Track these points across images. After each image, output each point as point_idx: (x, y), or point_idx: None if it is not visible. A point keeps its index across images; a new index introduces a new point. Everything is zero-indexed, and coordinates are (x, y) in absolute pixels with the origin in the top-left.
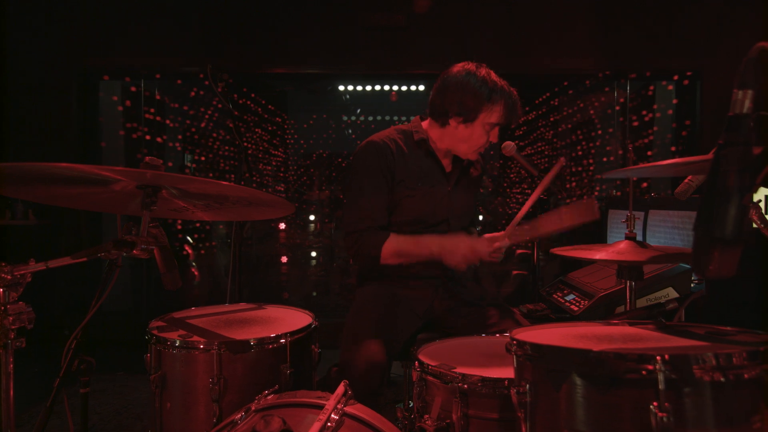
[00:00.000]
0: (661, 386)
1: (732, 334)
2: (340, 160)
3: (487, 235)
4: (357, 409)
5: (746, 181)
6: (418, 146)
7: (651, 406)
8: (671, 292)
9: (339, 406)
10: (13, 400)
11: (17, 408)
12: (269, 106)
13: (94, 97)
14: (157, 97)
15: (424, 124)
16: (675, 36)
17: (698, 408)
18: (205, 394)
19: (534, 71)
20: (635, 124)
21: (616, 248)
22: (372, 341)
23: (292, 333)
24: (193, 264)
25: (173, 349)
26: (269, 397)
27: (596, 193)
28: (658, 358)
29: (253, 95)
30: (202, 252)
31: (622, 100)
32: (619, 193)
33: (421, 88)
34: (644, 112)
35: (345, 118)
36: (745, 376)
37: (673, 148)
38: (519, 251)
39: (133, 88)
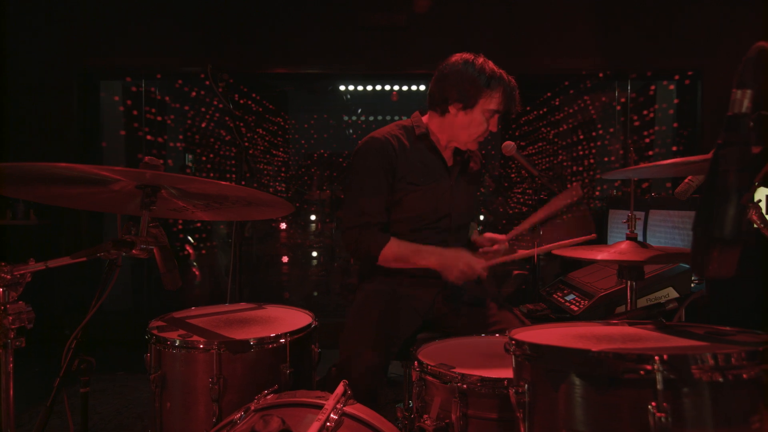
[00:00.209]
0: (659, 386)
1: (731, 335)
2: (341, 160)
3: (487, 234)
4: (356, 409)
5: (745, 181)
6: (419, 141)
7: (649, 406)
8: (671, 292)
9: (338, 406)
10: (13, 400)
11: (17, 408)
12: (270, 106)
13: (94, 97)
14: (158, 96)
15: (424, 118)
16: (675, 36)
17: (697, 408)
18: (204, 393)
19: (534, 71)
20: (636, 123)
21: (616, 248)
22: (372, 340)
23: (292, 333)
24: (194, 264)
25: (173, 349)
26: (269, 397)
27: (597, 193)
28: (656, 358)
29: (253, 95)
30: (203, 252)
31: (623, 99)
32: (620, 193)
33: (422, 87)
34: (645, 112)
35: (346, 118)
36: (744, 376)
37: (674, 148)
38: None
39: (133, 88)
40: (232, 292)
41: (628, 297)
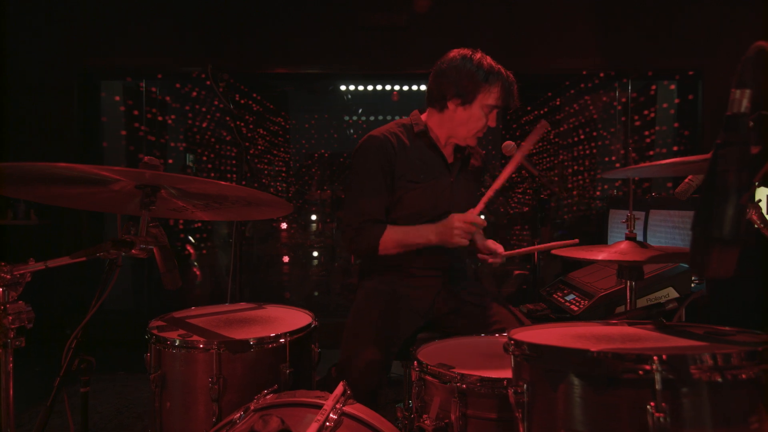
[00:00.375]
0: (658, 386)
1: (731, 334)
2: (341, 159)
3: (489, 242)
4: (356, 409)
5: (744, 181)
6: (418, 138)
7: (648, 407)
8: (671, 292)
9: (338, 406)
10: (12, 400)
11: (17, 407)
12: (270, 106)
13: (95, 97)
14: (159, 97)
15: (423, 116)
16: (676, 35)
17: (695, 408)
18: (204, 393)
19: (534, 71)
20: (637, 123)
21: (616, 248)
22: (372, 339)
23: (292, 333)
24: (195, 264)
25: (173, 349)
26: (268, 397)
27: (598, 193)
28: (655, 358)
29: (254, 95)
30: (205, 252)
31: (623, 99)
32: (620, 193)
33: (422, 87)
34: (646, 112)
35: (346, 118)
36: (743, 376)
37: (675, 148)
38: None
39: (134, 88)
40: (233, 291)
41: (628, 297)
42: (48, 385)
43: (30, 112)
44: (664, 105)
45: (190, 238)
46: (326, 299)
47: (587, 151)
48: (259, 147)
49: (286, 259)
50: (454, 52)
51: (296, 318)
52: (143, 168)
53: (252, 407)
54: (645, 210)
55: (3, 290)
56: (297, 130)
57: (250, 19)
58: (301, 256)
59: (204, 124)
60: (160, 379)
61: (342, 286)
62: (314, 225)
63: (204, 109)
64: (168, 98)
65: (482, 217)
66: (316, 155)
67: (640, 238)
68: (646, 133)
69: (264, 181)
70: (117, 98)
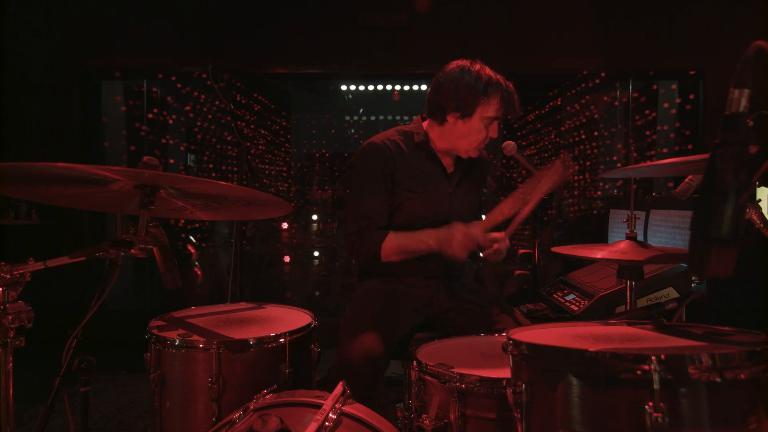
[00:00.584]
0: (656, 386)
1: (730, 334)
2: (345, 156)
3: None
4: (355, 409)
5: (743, 181)
6: (418, 148)
7: (646, 407)
8: (671, 292)
9: (337, 406)
10: (12, 399)
11: (18, 407)
12: (271, 106)
13: (96, 97)
14: (159, 96)
15: (425, 124)
16: (677, 35)
17: (694, 408)
18: (204, 393)
19: (534, 71)
20: (638, 123)
21: (616, 248)
22: (369, 333)
23: (291, 332)
24: (196, 263)
25: (173, 349)
26: (268, 397)
27: (599, 193)
28: (653, 358)
29: (256, 95)
30: (211, 252)
31: (624, 99)
32: (621, 193)
33: (423, 87)
34: (647, 112)
35: (347, 118)
36: (742, 376)
37: (676, 148)
38: (521, 251)
39: (135, 88)
40: (233, 291)
41: (628, 297)
42: (48, 385)
43: (31, 113)
44: (665, 105)
45: (191, 237)
46: (327, 299)
47: (588, 151)
48: (260, 147)
49: (287, 258)
50: (453, 65)
51: (296, 318)
52: (142, 168)
53: (251, 407)
54: (645, 210)
55: (3, 290)
56: (298, 130)
57: (250, 19)
58: (301, 255)
59: (205, 124)
60: (159, 379)
61: (343, 286)
62: (315, 225)
63: (205, 109)
64: (169, 98)
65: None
66: (317, 155)
67: (640, 237)
68: (647, 132)
69: (265, 181)
70: (118, 98)
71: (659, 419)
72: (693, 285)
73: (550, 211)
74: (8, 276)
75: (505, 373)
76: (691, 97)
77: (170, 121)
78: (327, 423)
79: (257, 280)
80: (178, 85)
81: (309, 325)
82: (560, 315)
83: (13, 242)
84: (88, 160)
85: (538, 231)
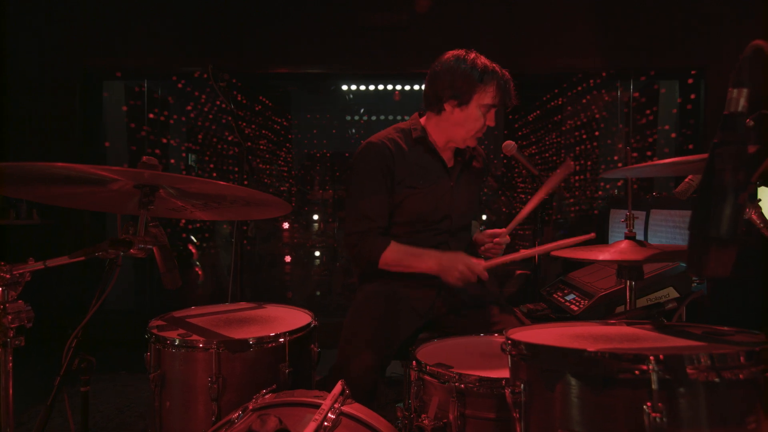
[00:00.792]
0: (654, 386)
1: (729, 335)
2: (346, 155)
3: (488, 231)
4: (354, 409)
5: (741, 180)
6: (417, 144)
7: (644, 407)
8: (672, 292)
9: (336, 406)
10: (12, 399)
11: (18, 407)
12: (272, 106)
13: (97, 97)
14: (160, 96)
15: (422, 120)
16: (678, 35)
17: (692, 408)
18: (204, 393)
19: (535, 71)
20: (640, 122)
21: (616, 248)
22: (371, 340)
23: (291, 332)
24: (197, 263)
25: (173, 348)
26: (267, 397)
27: (600, 193)
28: (651, 358)
29: (256, 95)
30: (212, 252)
31: (625, 99)
32: (622, 193)
33: (424, 87)
34: (648, 111)
35: (348, 117)
36: (740, 376)
37: (677, 147)
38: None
39: (136, 88)
40: (233, 291)
41: (628, 297)
42: (48, 385)
43: (32, 113)
44: (667, 104)
45: (192, 237)
46: (328, 299)
47: (589, 151)
48: (261, 147)
49: (288, 258)
50: (448, 54)
51: (296, 318)
52: (141, 168)
53: (250, 407)
54: (646, 210)
55: (2, 289)
56: (299, 130)
57: (250, 19)
58: (302, 255)
59: (206, 124)
60: (159, 379)
61: (343, 286)
62: (316, 225)
63: (207, 108)
64: (170, 98)
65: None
66: (318, 155)
67: (640, 237)
68: (648, 132)
69: (266, 180)
70: (119, 98)
71: (657, 419)
72: (693, 285)
73: (549, 211)
74: (8, 276)
75: (505, 373)
76: (693, 96)
77: (171, 121)
78: (326, 423)
79: (258, 279)
80: (179, 85)
81: (309, 325)
82: (560, 315)
83: (13, 242)
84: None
85: (538, 231)
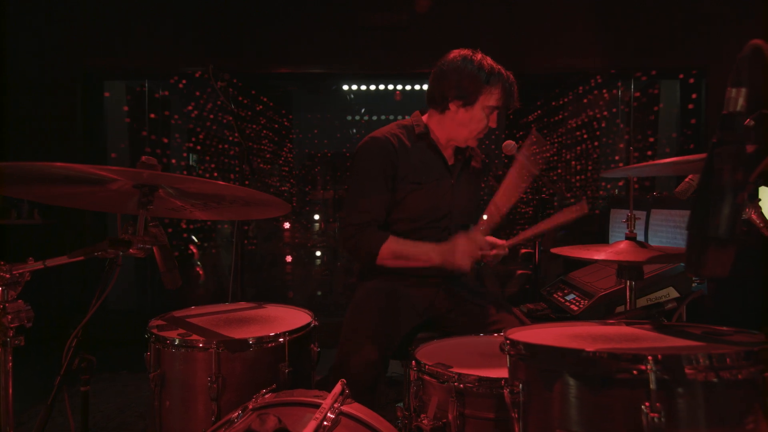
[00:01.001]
0: (652, 386)
1: (729, 335)
2: (346, 156)
3: (489, 238)
4: (354, 408)
5: (740, 180)
6: (419, 140)
7: (643, 407)
8: (672, 292)
9: (336, 405)
10: (12, 399)
11: (18, 406)
12: (273, 105)
13: (98, 97)
14: (163, 95)
15: (424, 117)
16: (679, 35)
17: (691, 408)
18: (203, 392)
19: (535, 71)
20: (640, 122)
21: (616, 248)
22: (371, 336)
23: (291, 332)
24: (198, 263)
25: (172, 348)
26: (266, 396)
27: (601, 192)
28: (649, 358)
29: (257, 95)
30: (213, 251)
31: (626, 98)
32: (622, 193)
33: (425, 87)
34: (649, 111)
35: (349, 117)
36: (739, 376)
37: (678, 147)
38: (523, 251)
39: (137, 88)
40: (234, 291)
41: (628, 297)
42: (48, 385)
43: (32, 113)
44: (668, 104)
45: (194, 237)
46: (329, 299)
47: (590, 151)
48: (262, 147)
49: (289, 258)
50: (455, 53)
51: (296, 317)
52: (141, 168)
53: (250, 406)
54: (646, 209)
55: (2, 289)
56: (300, 130)
57: (251, 19)
58: (303, 255)
59: (207, 124)
60: (159, 378)
61: (344, 285)
62: (317, 225)
63: (208, 107)
64: (171, 98)
65: (490, 237)
66: (319, 155)
67: (641, 237)
68: (649, 132)
69: (267, 180)
70: (120, 98)
71: (655, 419)
72: (693, 285)
73: (549, 211)
74: (8, 275)
75: (504, 373)
76: (694, 96)
77: (172, 121)
78: (325, 422)
79: (259, 279)
80: (180, 86)
81: (308, 324)
82: (560, 315)
83: (15, 242)
84: (90, 160)
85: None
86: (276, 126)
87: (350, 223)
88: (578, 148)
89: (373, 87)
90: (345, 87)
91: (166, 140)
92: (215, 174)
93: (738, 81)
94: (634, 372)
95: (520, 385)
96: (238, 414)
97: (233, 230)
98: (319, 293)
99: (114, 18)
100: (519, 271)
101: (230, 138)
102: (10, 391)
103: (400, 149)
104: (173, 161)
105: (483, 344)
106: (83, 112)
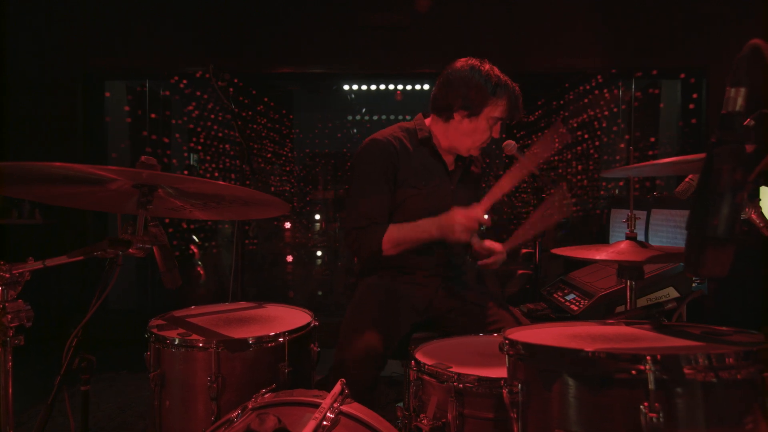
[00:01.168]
0: (651, 386)
1: (728, 335)
2: (347, 155)
3: (487, 242)
4: (353, 408)
5: (739, 180)
6: (422, 144)
7: (641, 407)
8: (672, 292)
9: (335, 405)
10: (12, 398)
11: (18, 406)
12: (274, 105)
13: (99, 97)
14: (162, 96)
15: (427, 121)
16: (680, 34)
17: (689, 408)
18: (203, 392)
19: (536, 71)
20: (641, 122)
21: (616, 248)
22: (369, 333)
23: (291, 332)
24: (199, 263)
25: (172, 348)
26: (266, 396)
27: (601, 192)
28: (648, 358)
29: (258, 95)
30: (214, 251)
31: (627, 98)
32: (623, 193)
33: (425, 87)
34: (649, 111)
35: (350, 117)
36: (738, 376)
37: (679, 147)
38: (523, 251)
39: (138, 88)
40: (234, 291)
41: (628, 297)
42: (48, 384)
43: (33, 113)
44: (669, 104)
45: (194, 237)
46: (329, 299)
47: (591, 151)
48: (263, 146)
49: (289, 258)
50: (462, 62)
51: (296, 317)
52: (140, 167)
53: (250, 406)
54: (647, 209)
55: (2, 289)
56: (301, 130)
57: (251, 19)
58: (304, 255)
59: (208, 124)
60: (159, 378)
61: (345, 285)
62: (318, 224)
63: (209, 107)
64: (172, 98)
65: (486, 216)
66: (320, 155)
67: (641, 237)
68: (650, 132)
69: (268, 180)
70: (120, 98)
71: (654, 419)
72: (693, 285)
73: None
74: (7, 275)
75: (503, 372)
76: (694, 96)
77: (173, 121)
78: (325, 422)
79: (260, 279)
80: (181, 86)
81: (308, 324)
82: (560, 315)
83: (15, 241)
84: (90, 160)
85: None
86: (276, 126)
87: (351, 227)
88: (578, 148)
89: (373, 87)
90: (345, 87)
91: (166, 140)
92: (216, 174)
93: (737, 81)
94: (633, 372)
95: (519, 385)
96: (238, 414)
97: (234, 230)
98: (320, 293)
99: (114, 18)
100: (519, 271)
101: (231, 138)
102: (10, 390)
103: (401, 152)
104: (174, 161)
105: (482, 344)
106: (84, 112)
